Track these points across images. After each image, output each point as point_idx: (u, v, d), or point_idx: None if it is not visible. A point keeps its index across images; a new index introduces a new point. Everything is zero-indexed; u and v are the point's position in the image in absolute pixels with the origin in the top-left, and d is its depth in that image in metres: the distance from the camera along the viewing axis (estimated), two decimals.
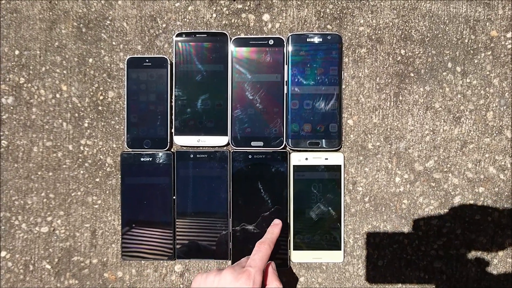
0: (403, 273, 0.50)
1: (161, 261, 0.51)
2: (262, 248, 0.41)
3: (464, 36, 0.50)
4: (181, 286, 0.52)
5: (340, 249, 0.49)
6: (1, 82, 0.53)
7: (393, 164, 0.50)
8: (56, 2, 0.52)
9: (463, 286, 0.50)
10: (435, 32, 0.50)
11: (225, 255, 0.49)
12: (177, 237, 0.50)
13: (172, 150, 0.51)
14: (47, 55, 0.53)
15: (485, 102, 0.50)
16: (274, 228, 0.46)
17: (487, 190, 0.50)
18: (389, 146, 0.50)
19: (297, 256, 0.49)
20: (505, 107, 0.50)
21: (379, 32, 0.51)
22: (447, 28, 0.50)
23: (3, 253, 0.53)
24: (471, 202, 0.50)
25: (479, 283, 0.50)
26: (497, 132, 0.50)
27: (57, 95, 0.53)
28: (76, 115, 0.52)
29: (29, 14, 0.53)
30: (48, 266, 0.52)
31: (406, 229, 0.50)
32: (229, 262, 0.50)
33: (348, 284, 0.51)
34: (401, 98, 0.50)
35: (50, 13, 0.53)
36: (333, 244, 0.49)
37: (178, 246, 0.50)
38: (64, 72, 0.52)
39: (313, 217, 0.49)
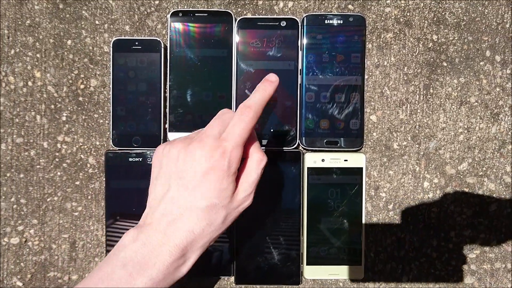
0: None
1: None
2: (246, 116, 0.30)
3: (505, 21, 0.46)
4: None
5: (361, 264, 0.45)
6: None
7: (421, 166, 0.47)
8: None
9: None
10: (472, 15, 0.46)
11: (227, 271, 0.46)
12: None
13: None
14: (16, 36, 0.48)
15: None
16: (268, 86, 0.32)
17: None
18: (417, 146, 0.47)
19: (310, 272, 0.46)
20: None
21: (408, 14, 0.47)
22: (486, 10, 0.46)
23: None
24: (509, 210, 0.46)
25: None
26: None
27: (29, 83, 0.48)
28: (52, 107, 0.48)
29: None
30: (20, 283, 0.48)
31: (435, 241, 0.46)
32: (232, 278, 0.46)
33: None
34: (432, 91, 0.47)
35: None
36: (353, 258, 0.45)
37: None
38: (38, 56, 0.48)
39: (330, 227, 0.45)
